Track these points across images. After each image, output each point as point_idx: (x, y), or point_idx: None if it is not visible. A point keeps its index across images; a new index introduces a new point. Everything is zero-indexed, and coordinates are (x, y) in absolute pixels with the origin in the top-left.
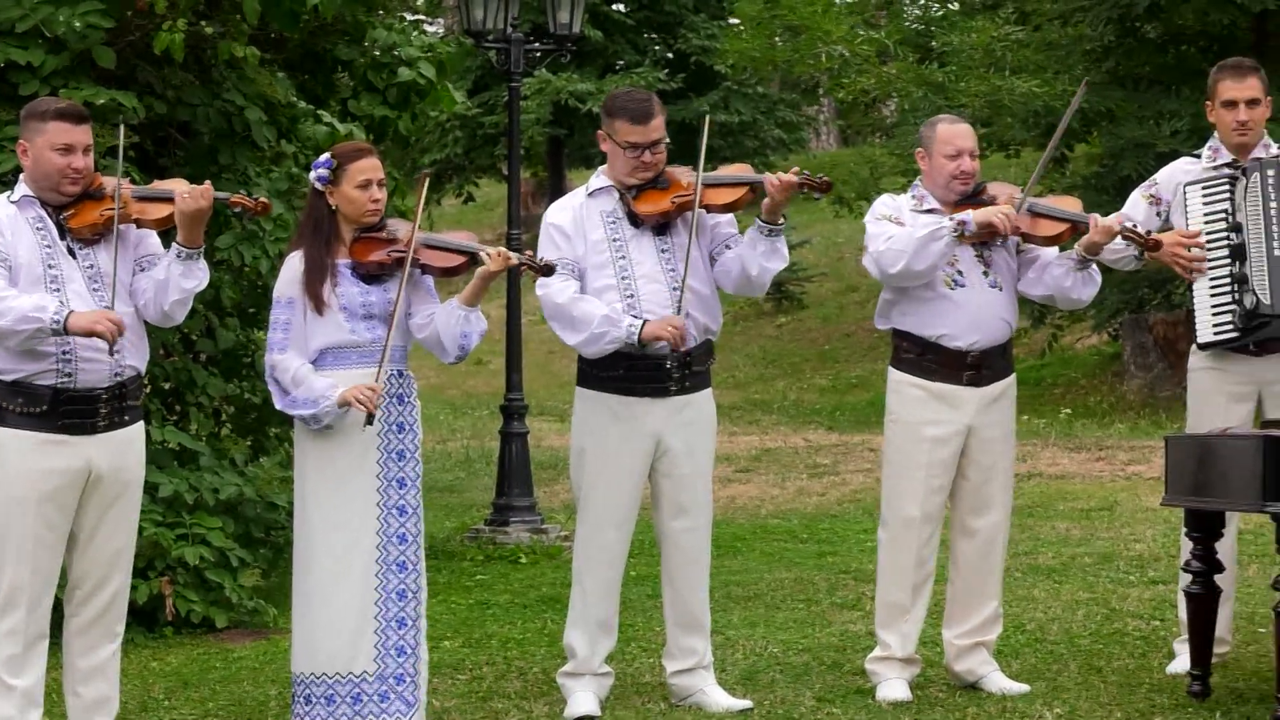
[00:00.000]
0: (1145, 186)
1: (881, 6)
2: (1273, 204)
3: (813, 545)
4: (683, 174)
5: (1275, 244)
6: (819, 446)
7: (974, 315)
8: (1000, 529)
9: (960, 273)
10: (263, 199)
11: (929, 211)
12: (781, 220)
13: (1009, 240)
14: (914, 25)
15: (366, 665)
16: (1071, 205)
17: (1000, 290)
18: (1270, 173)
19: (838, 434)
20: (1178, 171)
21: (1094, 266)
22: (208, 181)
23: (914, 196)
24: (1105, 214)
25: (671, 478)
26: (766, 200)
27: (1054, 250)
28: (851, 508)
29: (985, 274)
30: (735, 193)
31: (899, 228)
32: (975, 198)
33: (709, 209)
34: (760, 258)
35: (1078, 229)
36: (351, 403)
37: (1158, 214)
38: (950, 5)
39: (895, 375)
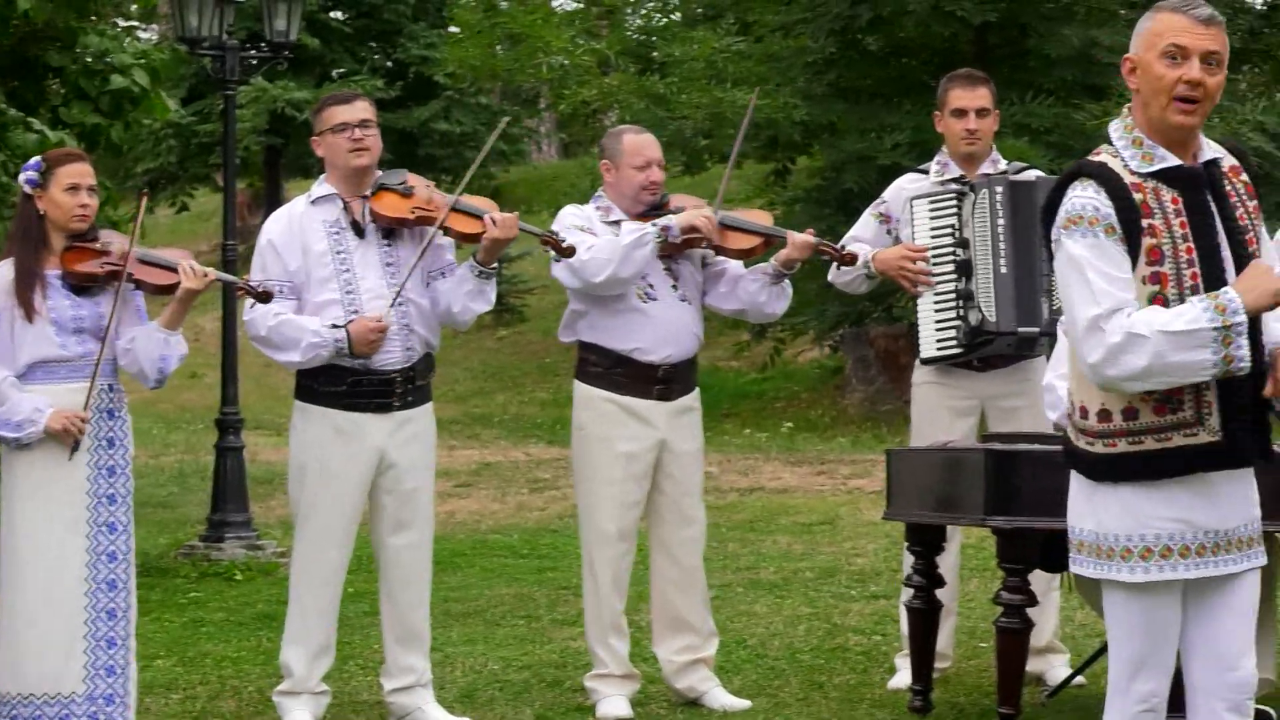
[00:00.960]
0: (874, 206)
1: (603, 16)
2: (1000, 221)
3: (533, 561)
4: (433, 191)
5: (1001, 261)
6: (539, 461)
7: (666, 329)
8: (699, 542)
9: (651, 285)
10: None
11: (615, 223)
12: (495, 265)
13: (697, 253)
14: (635, 36)
15: (75, 686)
16: (762, 218)
17: (689, 304)
18: (999, 189)
19: (559, 448)
20: (905, 187)
21: (786, 280)
22: None
23: (599, 208)
24: (827, 228)
25: (394, 494)
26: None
27: (741, 263)
28: (572, 523)
29: (674, 287)
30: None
31: (596, 237)
32: (661, 209)
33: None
34: (465, 297)
35: (770, 243)
36: (59, 434)
37: (888, 232)
38: (672, 16)
39: (584, 389)
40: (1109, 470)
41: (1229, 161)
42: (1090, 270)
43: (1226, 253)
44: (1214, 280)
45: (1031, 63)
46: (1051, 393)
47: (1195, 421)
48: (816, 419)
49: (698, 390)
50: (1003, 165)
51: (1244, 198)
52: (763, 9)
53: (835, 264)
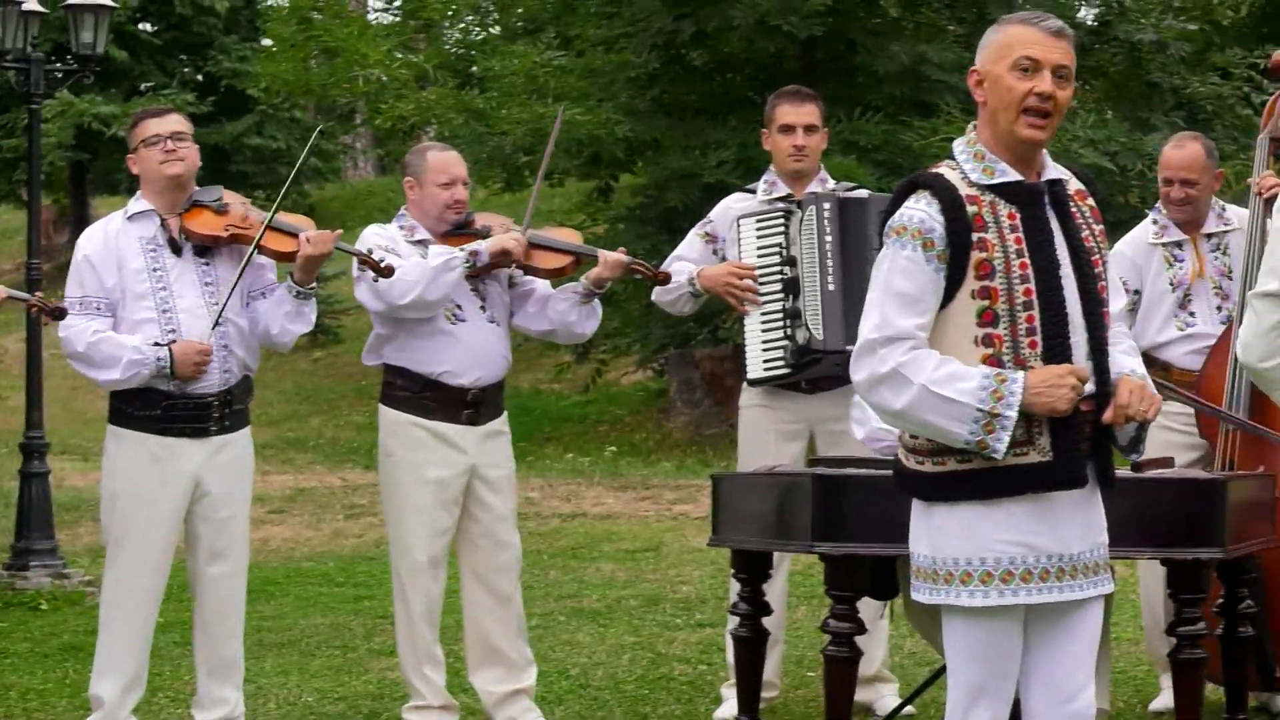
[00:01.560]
0: (700, 225)
1: (420, 30)
2: (828, 238)
3: (349, 589)
4: (249, 209)
5: (829, 279)
6: (356, 486)
7: (475, 351)
8: (514, 569)
9: (460, 307)
10: None
11: (420, 242)
12: (314, 285)
13: (504, 272)
14: (454, 50)
15: None
16: (571, 237)
17: (497, 325)
18: (826, 206)
19: (375, 473)
20: (732, 206)
21: (596, 300)
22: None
23: (403, 227)
24: (651, 248)
25: (209, 521)
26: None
27: (549, 283)
28: (389, 550)
29: (482, 308)
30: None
31: (401, 258)
32: (466, 228)
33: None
34: (284, 318)
35: (580, 261)
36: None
37: (714, 252)
38: (491, 30)
39: (390, 414)
40: (938, 490)
41: (1075, 185)
42: (889, 290)
43: (1068, 270)
44: (1050, 298)
45: (859, 79)
46: (859, 409)
47: (1025, 441)
48: (640, 443)
49: (506, 413)
50: (831, 184)
51: (1090, 220)
52: (584, 23)
53: (650, 284)
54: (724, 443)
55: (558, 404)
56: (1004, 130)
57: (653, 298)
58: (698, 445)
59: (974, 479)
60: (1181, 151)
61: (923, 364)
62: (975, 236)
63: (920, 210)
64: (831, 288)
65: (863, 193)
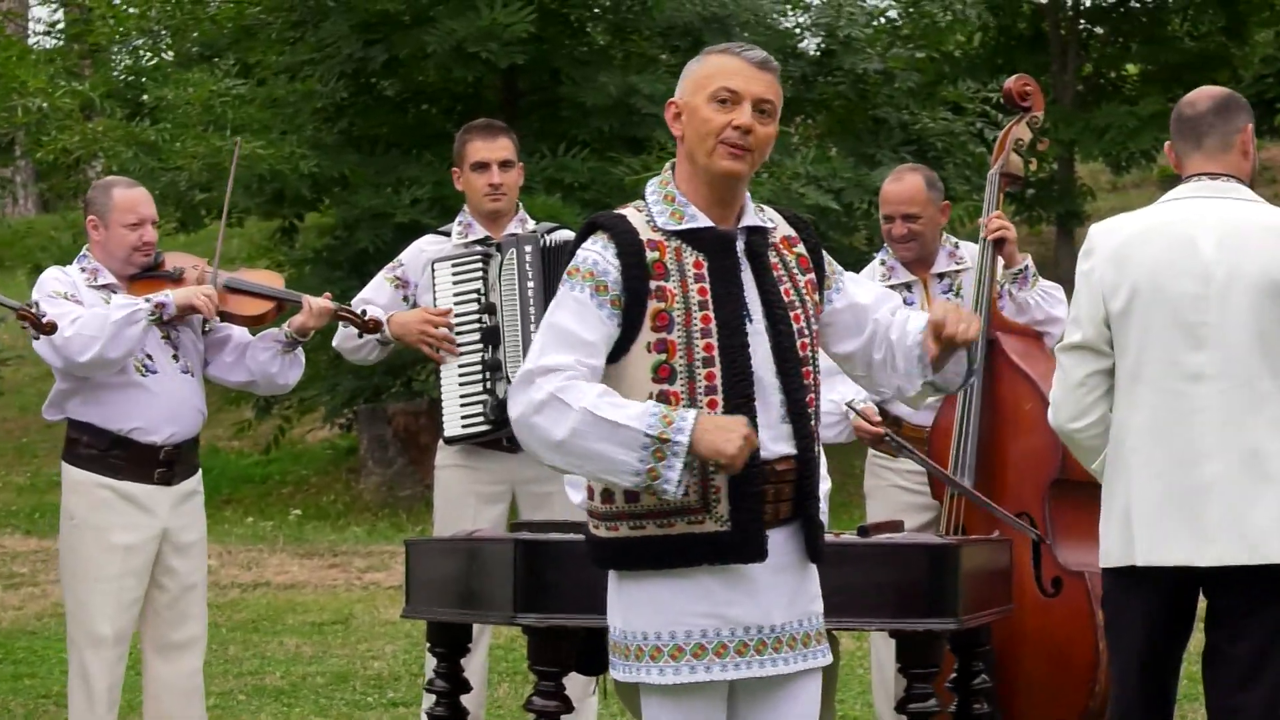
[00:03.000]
0: (390, 269)
1: (86, 55)
2: (529, 284)
3: (8, 666)
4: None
5: (531, 327)
6: (15, 554)
7: (169, 405)
8: (201, 643)
9: (150, 357)
10: None
11: (105, 287)
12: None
13: (200, 318)
14: (123, 77)
15: None
16: (272, 280)
17: (191, 376)
18: (527, 249)
19: (37, 538)
20: (425, 249)
21: (300, 349)
22: None
23: (85, 270)
24: (341, 293)
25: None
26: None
27: (248, 330)
28: (53, 623)
29: (175, 358)
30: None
31: (82, 307)
32: (156, 271)
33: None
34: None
35: (282, 307)
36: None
37: (405, 298)
38: (164, 55)
39: (74, 474)
40: (612, 557)
41: (784, 232)
42: (553, 327)
43: (759, 326)
44: (732, 355)
45: (565, 112)
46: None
47: (701, 508)
48: (328, 506)
49: (200, 472)
50: (531, 224)
51: (794, 271)
52: (265, 49)
53: (357, 331)
54: (419, 505)
55: (238, 463)
56: (701, 165)
57: (334, 344)
58: (390, 508)
59: (649, 546)
60: (900, 185)
61: (583, 390)
62: (653, 285)
63: (595, 253)
64: (534, 337)
65: (566, 234)
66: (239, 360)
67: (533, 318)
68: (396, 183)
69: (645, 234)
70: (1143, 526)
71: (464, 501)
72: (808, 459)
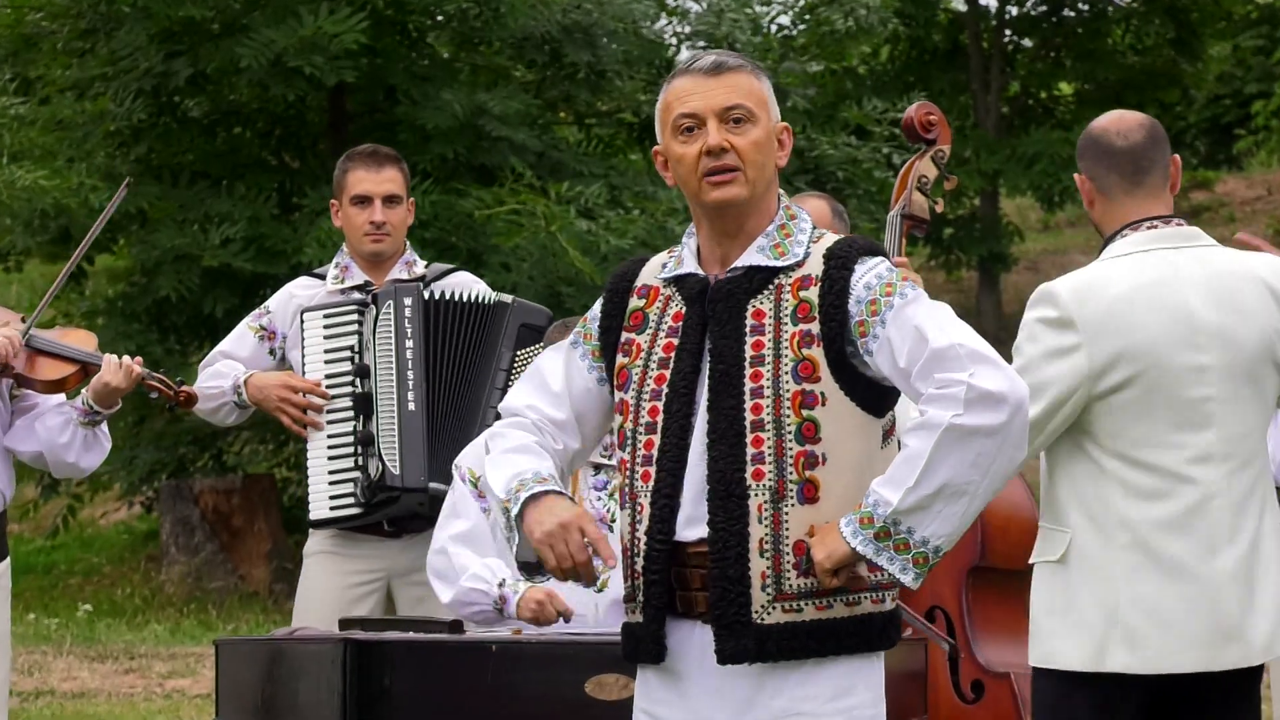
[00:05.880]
0: (255, 316)
1: None
2: (408, 343)
3: None
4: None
5: (410, 395)
6: None
7: None
8: None
9: None
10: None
11: None
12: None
13: (7, 382)
14: None
15: None
16: (84, 341)
17: None
18: (406, 302)
19: None
20: (295, 294)
21: (104, 428)
22: None
23: None
24: (138, 349)
25: None
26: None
27: (57, 398)
28: None
29: None
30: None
31: None
32: None
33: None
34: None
35: (89, 371)
36: None
37: (271, 351)
38: None
39: None
40: None
41: (809, 271)
42: (534, 367)
43: (706, 390)
44: (674, 426)
45: (402, 136)
46: (443, 556)
47: (630, 595)
48: (124, 600)
49: (9, 561)
50: (421, 268)
51: (785, 319)
52: (49, 61)
53: (168, 406)
54: (231, 599)
55: (19, 551)
56: (699, 205)
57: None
58: (198, 602)
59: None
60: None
61: (505, 439)
62: (625, 337)
63: (601, 297)
64: (412, 407)
65: (461, 279)
66: (30, 430)
67: (410, 384)
68: (204, 219)
69: (646, 279)
70: (1150, 629)
71: (332, 595)
72: (725, 542)
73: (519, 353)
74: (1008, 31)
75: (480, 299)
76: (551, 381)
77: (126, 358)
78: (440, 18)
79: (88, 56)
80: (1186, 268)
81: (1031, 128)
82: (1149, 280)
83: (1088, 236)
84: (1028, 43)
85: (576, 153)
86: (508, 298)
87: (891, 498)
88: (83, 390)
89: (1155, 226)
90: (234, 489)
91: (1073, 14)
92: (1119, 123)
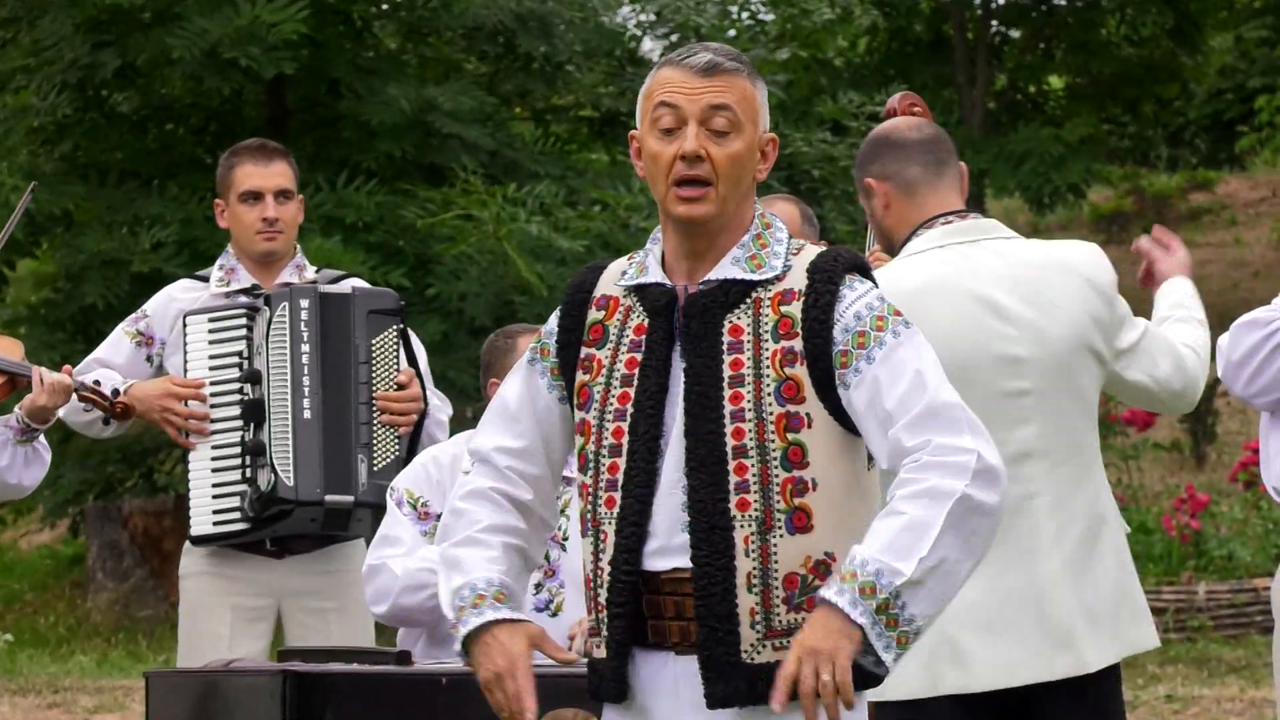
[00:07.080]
0: (132, 320)
1: None
2: (304, 347)
3: None
4: None
5: (305, 403)
6: None
7: None
8: None
9: None
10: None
11: None
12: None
13: None
14: None
15: None
16: (9, 350)
17: None
18: (303, 304)
19: None
20: (177, 298)
21: (42, 439)
22: None
23: None
24: (62, 359)
25: None
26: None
27: None
28: None
29: None
30: None
31: None
32: None
33: None
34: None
35: (17, 384)
36: None
37: (148, 359)
38: None
39: None
40: None
41: (790, 285)
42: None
43: (678, 411)
44: (641, 450)
45: (346, 133)
46: (383, 575)
47: (595, 628)
48: (47, 630)
49: None
50: (311, 272)
51: (765, 336)
52: None
53: (105, 418)
54: (163, 628)
55: None
56: (666, 210)
57: (60, 414)
58: (126, 631)
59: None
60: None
61: (474, 517)
62: (584, 353)
63: (557, 309)
64: (307, 415)
65: (350, 284)
66: None
67: (305, 390)
68: (133, 222)
69: (605, 288)
70: (977, 644)
71: (216, 620)
72: (711, 577)
73: (374, 341)
74: (994, 21)
75: (354, 294)
76: (512, 405)
77: (57, 373)
78: (386, 6)
79: (9, 47)
80: (985, 261)
81: (1020, 124)
82: (947, 274)
83: (1082, 239)
84: (1016, 33)
85: (532, 151)
86: (346, 287)
87: (903, 568)
88: (15, 407)
89: (950, 221)
90: (165, 510)
91: (1064, 3)
92: (905, 121)
